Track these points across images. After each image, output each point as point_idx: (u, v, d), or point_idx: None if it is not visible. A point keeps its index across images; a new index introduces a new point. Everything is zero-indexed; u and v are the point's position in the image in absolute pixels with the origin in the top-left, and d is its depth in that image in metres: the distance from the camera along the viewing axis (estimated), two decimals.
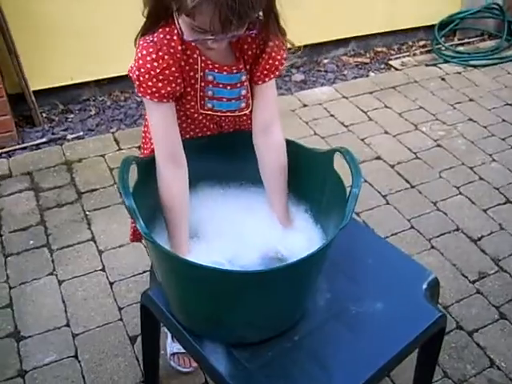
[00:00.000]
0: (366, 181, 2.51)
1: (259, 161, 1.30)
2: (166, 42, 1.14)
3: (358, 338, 1.20)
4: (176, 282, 1.12)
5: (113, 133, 2.82)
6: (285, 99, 3.11)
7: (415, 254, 2.13)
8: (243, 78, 1.23)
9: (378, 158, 2.66)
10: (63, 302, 1.94)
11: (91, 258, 2.11)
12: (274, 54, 1.21)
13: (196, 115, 1.27)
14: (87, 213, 2.31)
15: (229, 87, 1.23)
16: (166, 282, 1.15)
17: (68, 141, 2.76)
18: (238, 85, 1.23)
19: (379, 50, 3.62)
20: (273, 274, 1.03)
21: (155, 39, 1.14)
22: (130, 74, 1.15)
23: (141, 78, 1.14)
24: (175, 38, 1.14)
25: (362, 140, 2.79)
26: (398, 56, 3.57)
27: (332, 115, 2.98)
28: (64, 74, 2.88)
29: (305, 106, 3.06)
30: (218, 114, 1.27)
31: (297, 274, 1.06)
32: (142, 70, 1.13)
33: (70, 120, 2.91)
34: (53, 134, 2.79)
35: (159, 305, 1.26)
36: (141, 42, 1.15)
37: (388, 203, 2.40)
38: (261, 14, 1.13)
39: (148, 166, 1.20)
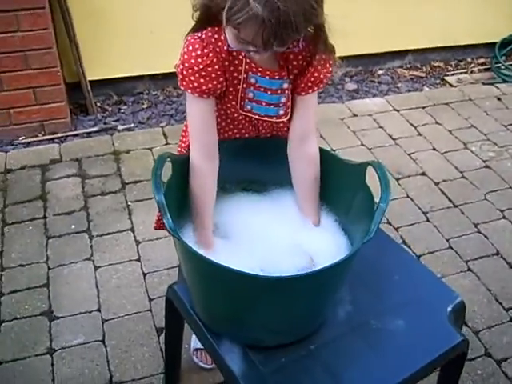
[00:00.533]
0: (408, 196, 2.48)
1: (292, 170, 1.31)
2: (213, 40, 1.17)
3: (374, 354, 1.20)
4: (198, 279, 1.14)
5: (162, 127, 2.89)
6: (335, 107, 3.11)
7: (450, 275, 2.10)
8: (285, 85, 1.25)
9: (423, 174, 2.63)
10: (97, 287, 2.00)
11: (128, 247, 2.17)
12: (319, 68, 1.22)
13: (236, 115, 1.29)
14: (129, 203, 2.38)
15: (269, 92, 1.24)
16: (189, 278, 1.18)
17: (118, 131, 2.84)
18: (279, 91, 1.25)
19: (436, 64, 3.57)
20: (291, 282, 1.04)
21: (203, 36, 1.17)
22: (175, 69, 1.19)
23: (184, 72, 1.17)
24: (222, 38, 1.17)
25: (409, 155, 2.75)
26: (454, 72, 3.51)
27: (381, 127, 2.96)
28: (120, 66, 2.96)
29: (354, 115, 3.05)
30: (256, 117, 1.29)
31: (315, 284, 1.07)
32: (186, 64, 1.16)
33: (122, 111, 2.99)
34: (105, 123, 2.88)
35: (183, 300, 1.29)
36: (188, 38, 1.18)
37: (428, 220, 2.36)
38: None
39: (183, 165, 1.23)
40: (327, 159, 1.29)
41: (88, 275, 2.05)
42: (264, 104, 1.27)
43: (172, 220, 1.04)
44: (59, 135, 2.76)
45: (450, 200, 2.48)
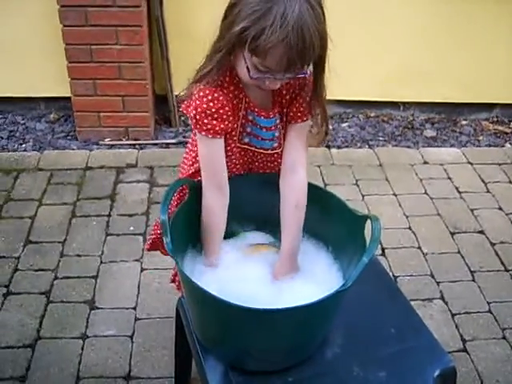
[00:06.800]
0: (459, 252, 2.45)
1: (281, 197, 1.38)
2: (219, 83, 1.27)
3: None
4: (191, 298, 1.26)
5: None
6: (407, 152, 3.12)
7: (482, 339, 2.06)
8: (277, 121, 1.36)
9: (481, 232, 2.57)
10: (138, 287, 2.17)
11: None
12: (308, 99, 1.32)
13: (234, 148, 1.39)
14: None
15: (264, 129, 1.36)
16: (185, 294, 1.29)
17: None
18: (273, 128, 1.36)
19: None
20: (268, 314, 1.12)
21: (213, 82, 1.26)
22: (185, 112, 1.31)
23: (197, 117, 1.28)
24: (227, 79, 1.28)
25: (472, 210, 2.70)
26: None
27: (449, 178, 2.92)
28: None
29: (425, 163, 3.04)
30: (253, 149, 1.40)
31: (291, 320, 1.14)
32: (199, 109, 1.27)
33: None
34: (184, 137, 3.08)
35: (186, 311, 1.41)
36: (198, 84, 1.28)
37: (473, 280, 2.32)
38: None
39: (199, 191, 1.36)
40: (334, 204, 1.36)
41: (133, 275, 2.22)
42: (260, 139, 1.38)
43: (173, 240, 1.16)
44: (140, 142, 2.99)
45: (503, 263, 2.41)
